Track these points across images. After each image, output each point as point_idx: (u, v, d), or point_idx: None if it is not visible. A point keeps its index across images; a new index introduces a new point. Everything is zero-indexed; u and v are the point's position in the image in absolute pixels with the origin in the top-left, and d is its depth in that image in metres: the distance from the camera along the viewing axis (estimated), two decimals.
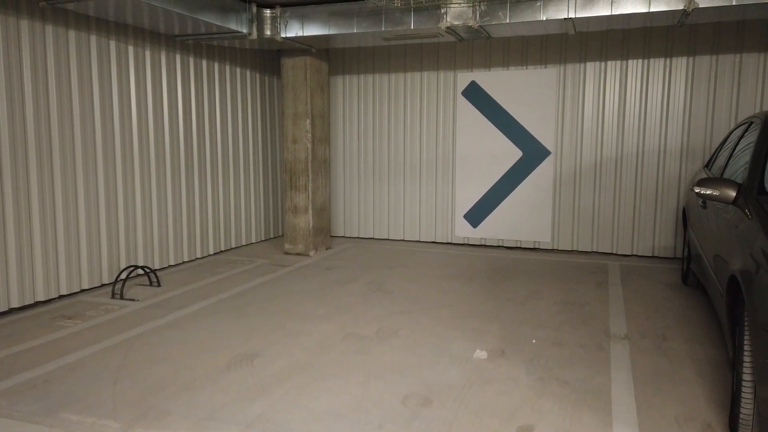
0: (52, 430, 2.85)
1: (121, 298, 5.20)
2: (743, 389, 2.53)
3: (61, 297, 5.19)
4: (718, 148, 5.45)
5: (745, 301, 2.53)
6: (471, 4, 5.25)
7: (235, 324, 4.53)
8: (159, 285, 5.65)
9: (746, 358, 2.51)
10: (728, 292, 3.08)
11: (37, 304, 4.98)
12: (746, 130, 4.39)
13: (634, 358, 3.82)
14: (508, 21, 5.25)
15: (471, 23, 5.34)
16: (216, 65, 6.98)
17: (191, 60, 6.56)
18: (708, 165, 5.44)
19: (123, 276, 5.65)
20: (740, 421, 2.57)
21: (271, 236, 8.39)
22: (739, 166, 4.05)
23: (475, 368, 3.66)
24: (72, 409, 3.09)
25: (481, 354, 3.89)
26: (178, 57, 6.36)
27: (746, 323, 2.54)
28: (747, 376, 2.51)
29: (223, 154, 7.20)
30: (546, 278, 6.02)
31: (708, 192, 3.59)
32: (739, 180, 3.63)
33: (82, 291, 5.40)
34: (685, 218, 5.98)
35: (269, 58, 8.10)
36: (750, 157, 3.65)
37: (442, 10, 5.39)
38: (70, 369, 3.63)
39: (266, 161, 8.14)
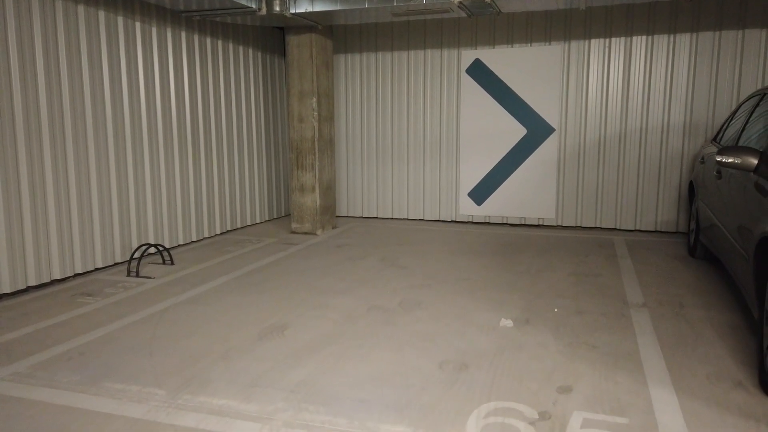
0: (99, 399, 2.86)
1: (137, 275, 5.18)
2: None
3: (76, 276, 5.16)
4: (725, 122, 5.55)
5: None
6: None
7: (257, 299, 4.55)
8: (172, 263, 5.63)
9: None
10: (756, 255, 3.16)
11: (53, 282, 4.94)
12: (758, 103, 4.47)
13: (656, 324, 3.91)
14: None
15: None
16: (219, 43, 6.91)
17: (195, 37, 6.48)
18: (716, 139, 5.53)
19: (137, 254, 5.63)
20: None
21: (275, 216, 8.37)
22: (755, 137, 4.14)
23: (504, 336, 3.73)
24: (113, 378, 3.10)
25: (506, 322, 3.96)
26: (183, 34, 6.28)
27: None
28: None
29: (227, 133, 7.16)
30: (555, 252, 6.11)
31: (730, 160, 3.67)
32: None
33: (96, 270, 5.37)
34: (691, 192, 6.09)
35: (271, 35, 8.03)
36: None
37: None
38: (101, 342, 3.62)
39: (269, 140, 8.10)
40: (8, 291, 4.52)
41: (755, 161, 3.53)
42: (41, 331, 3.82)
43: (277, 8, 5.86)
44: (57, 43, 4.84)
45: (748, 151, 3.60)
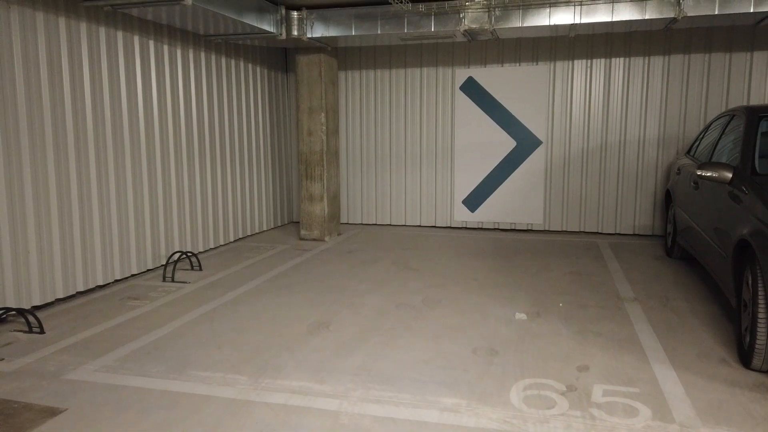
0: (191, 383, 3.31)
1: (173, 280, 5.59)
2: (758, 325, 3.25)
3: (116, 281, 5.54)
4: (698, 137, 6.27)
5: (758, 255, 3.25)
6: (487, 9, 5.86)
7: (291, 300, 5.02)
8: (201, 269, 6.05)
9: (761, 300, 3.23)
10: (734, 254, 3.80)
11: (96, 288, 5.32)
12: (729, 122, 5.17)
13: (648, 315, 4.55)
14: (520, 25, 5.89)
15: (486, 26, 5.95)
16: (233, 62, 7.36)
17: (213, 57, 6.92)
18: (690, 152, 6.24)
19: (171, 261, 6.02)
20: (755, 350, 3.30)
21: (280, 224, 8.82)
22: (726, 152, 4.83)
23: (521, 326, 4.30)
24: (196, 367, 3.55)
25: (521, 315, 4.54)
26: (202, 54, 6.72)
27: (759, 272, 3.26)
28: (762, 314, 3.23)
29: (239, 146, 7.60)
30: (548, 255, 6.74)
31: (708, 174, 4.33)
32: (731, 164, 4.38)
33: (132, 276, 5.76)
34: (667, 199, 6.81)
35: (275, 54, 8.50)
36: (741, 145, 4.40)
37: (461, 15, 5.97)
38: (169, 339, 4.06)
39: (274, 152, 8.56)
40: (61, 296, 4.89)
41: (730, 175, 4.19)
42: (109, 331, 4.23)
43: (296, 33, 6.36)
44: (100, 66, 5.25)
45: (724, 166, 4.26)
